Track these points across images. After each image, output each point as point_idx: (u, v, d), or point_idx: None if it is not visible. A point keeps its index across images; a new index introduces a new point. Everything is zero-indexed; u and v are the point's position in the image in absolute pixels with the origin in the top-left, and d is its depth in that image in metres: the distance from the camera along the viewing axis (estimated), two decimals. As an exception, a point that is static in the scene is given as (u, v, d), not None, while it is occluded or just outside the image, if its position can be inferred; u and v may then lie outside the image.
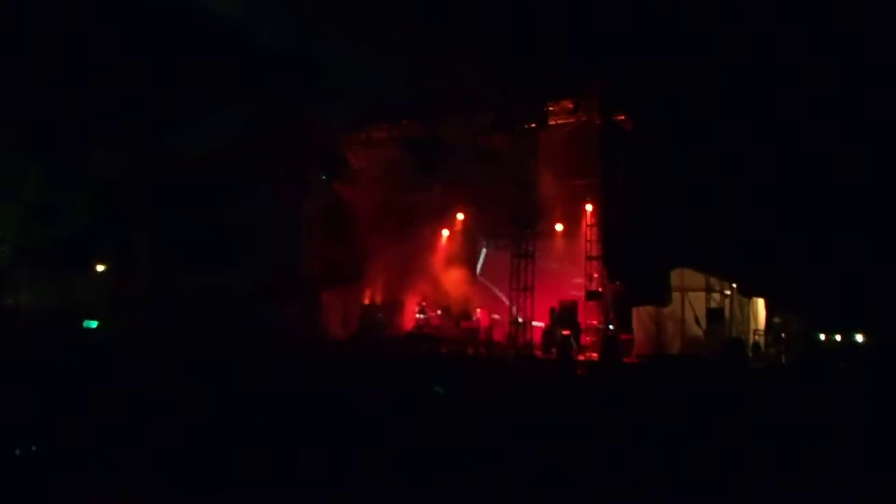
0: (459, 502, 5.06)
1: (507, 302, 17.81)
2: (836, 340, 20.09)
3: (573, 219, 18.94)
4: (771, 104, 17.76)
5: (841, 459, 6.17)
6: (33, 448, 5.25)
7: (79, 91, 16.32)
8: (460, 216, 21.51)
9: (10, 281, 18.29)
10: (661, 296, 16.86)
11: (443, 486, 5.13)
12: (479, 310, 19.81)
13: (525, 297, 16.95)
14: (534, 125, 17.03)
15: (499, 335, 18.66)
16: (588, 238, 18.11)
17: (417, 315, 20.12)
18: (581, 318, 17.67)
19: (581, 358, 15.96)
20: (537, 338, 17.43)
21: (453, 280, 20.45)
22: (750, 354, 16.28)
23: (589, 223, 18.19)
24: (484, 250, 22.01)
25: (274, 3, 13.80)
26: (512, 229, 17.62)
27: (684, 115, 17.38)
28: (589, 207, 18.20)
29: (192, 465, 5.34)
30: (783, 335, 16.66)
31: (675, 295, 16.77)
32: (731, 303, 16.75)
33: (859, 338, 19.91)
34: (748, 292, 17.27)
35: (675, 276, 16.84)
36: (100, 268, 20.12)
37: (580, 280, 18.27)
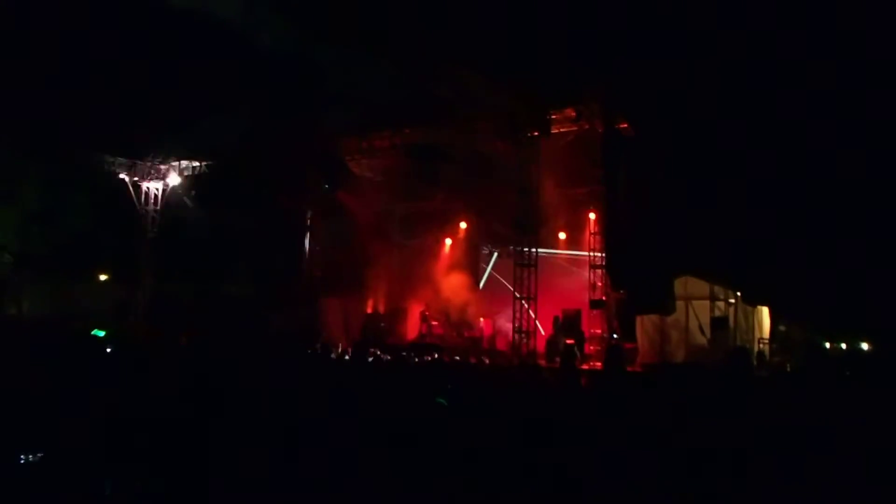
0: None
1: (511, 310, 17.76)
2: (841, 348, 19.99)
3: (576, 227, 18.91)
4: (773, 112, 17.74)
5: (847, 468, 6.10)
6: (39, 455, 5.22)
7: (80, 95, 16.36)
8: (463, 224, 21.48)
9: (12, 289, 18.29)
10: (664, 304, 16.80)
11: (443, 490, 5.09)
12: (482, 318, 19.74)
13: (528, 305, 16.90)
14: (536, 133, 17.00)
15: (502, 344, 18.58)
16: (591, 246, 18.05)
17: (420, 324, 20.07)
18: (585, 327, 17.62)
19: (585, 367, 15.88)
20: (541, 347, 17.36)
21: (456, 288, 20.41)
22: (755, 363, 16.18)
23: (592, 231, 18.14)
24: (495, 255, 21.90)
25: (276, 9, 13.82)
26: (514, 238, 17.58)
27: (686, 123, 17.37)
28: (592, 215, 18.16)
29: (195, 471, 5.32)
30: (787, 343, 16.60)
31: (679, 303, 16.70)
32: (736, 311, 16.66)
33: (864, 346, 19.81)
34: (752, 300, 17.18)
35: (679, 285, 16.78)
36: (102, 277, 20.15)
37: (583, 288, 18.21)
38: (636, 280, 16.95)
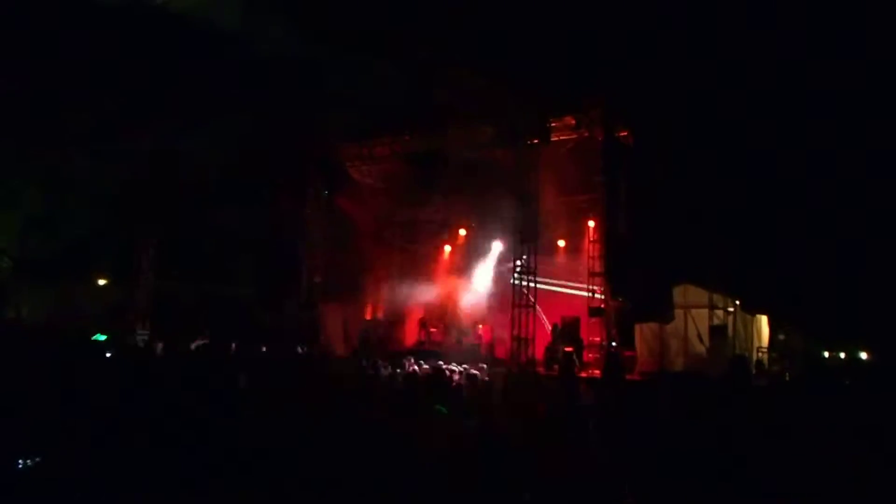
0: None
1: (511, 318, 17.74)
2: (840, 357, 20.01)
3: (576, 234, 18.92)
4: (773, 121, 17.81)
5: (846, 476, 6.11)
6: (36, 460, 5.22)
7: (79, 99, 16.37)
8: (462, 231, 21.49)
9: (11, 293, 18.26)
10: (663, 312, 16.81)
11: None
12: (480, 326, 19.73)
13: (527, 313, 16.88)
14: (536, 140, 17.04)
15: (501, 351, 18.56)
16: (590, 254, 18.06)
17: (419, 330, 20.04)
18: (583, 335, 17.60)
19: (583, 375, 15.86)
20: (539, 354, 17.34)
21: (455, 296, 20.40)
22: (753, 371, 16.18)
23: (591, 239, 18.15)
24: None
25: (276, 13, 13.85)
26: (514, 245, 17.60)
27: (686, 131, 17.43)
28: (591, 223, 18.17)
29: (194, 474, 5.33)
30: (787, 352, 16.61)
31: (678, 312, 16.70)
32: (735, 319, 16.66)
33: (863, 355, 19.83)
34: (751, 309, 17.20)
35: (678, 293, 16.79)
36: (101, 281, 20.12)
37: (583, 296, 18.20)
38: (635, 288, 16.96)
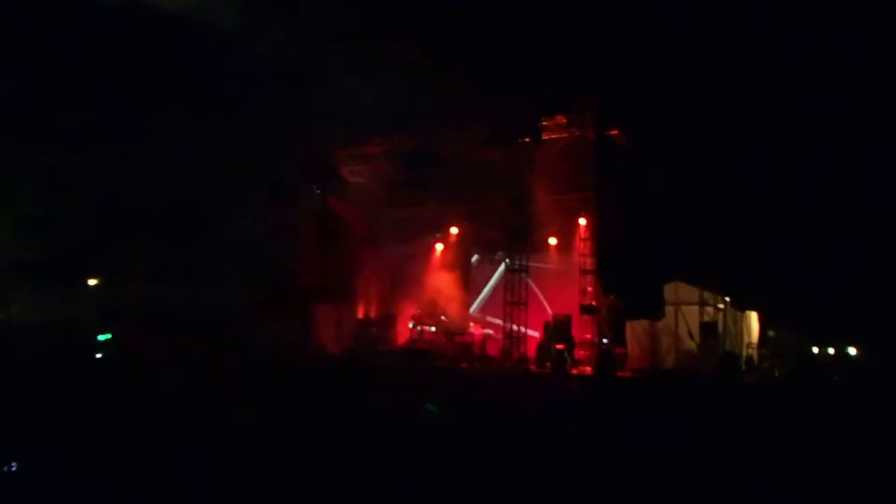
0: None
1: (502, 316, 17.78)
2: (829, 353, 20.15)
3: (567, 233, 18.97)
4: (764, 120, 17.91)
5: (836, 470, 6.18)
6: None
7: (75, 102, 16.32)
8: (454, 230, 21.50)
9: (2, 293, 18.16)
10: (655, 309, 16.90)
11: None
12: (472, 324, 19.76)
13: (519, 311, 16.94)
14: (528, 139, 17.10)
15: (493, 349, 18.60)
16: (582, 252, 18.13)
17: (411, 329, 20.03)
18: (575, 332, 17.67)
19: (575, 372, 15.93)
20: (531, 352, 17.40)
21: (447, 294, 20.40)
22: (743, 368, 16.29)
23: (583, 237, 18.22)
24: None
25: (269, 18, 13.86)
26: (506, 243, 17.65)
27: (677, 130, 17.51)
28: (583, 221, 18.24)
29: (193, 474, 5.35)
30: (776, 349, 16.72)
31: (669, 309, 16.79)
32: (725, 316, 16.78)
33: (852, 351, 19.98)
34: (742, 306, 17.32)
35: (669, 290, 16.87)
36: (92, 281, 20.02)
37: (574, 294, 18.26)
38: (627, 285, 17.04)
